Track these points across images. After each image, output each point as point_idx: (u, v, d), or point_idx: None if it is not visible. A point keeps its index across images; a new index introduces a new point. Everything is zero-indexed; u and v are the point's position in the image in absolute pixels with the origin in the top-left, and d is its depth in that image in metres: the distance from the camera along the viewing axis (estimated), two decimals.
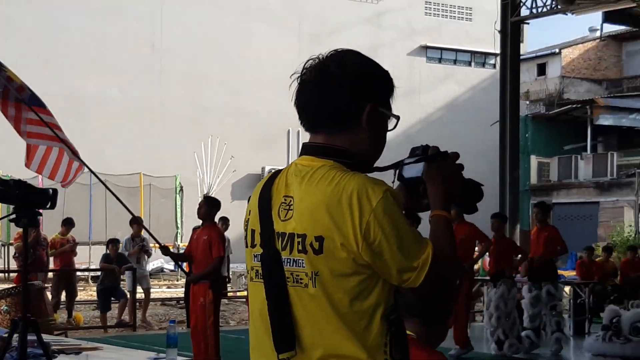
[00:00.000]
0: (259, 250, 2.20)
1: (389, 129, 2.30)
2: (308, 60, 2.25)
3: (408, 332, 3.06)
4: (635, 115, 32.59)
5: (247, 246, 2.29)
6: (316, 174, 2.15)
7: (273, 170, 2.36)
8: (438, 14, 34.84)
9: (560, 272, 19.49)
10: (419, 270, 2.08)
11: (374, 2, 33.16)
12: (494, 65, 32.94)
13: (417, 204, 2.32)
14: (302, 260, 2.12)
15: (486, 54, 34.56)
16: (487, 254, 12.22)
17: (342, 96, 2.18)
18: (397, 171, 2.34)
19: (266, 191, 2.23)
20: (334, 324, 2.09)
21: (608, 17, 17.62)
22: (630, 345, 10.42)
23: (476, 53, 35.21)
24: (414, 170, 2.30)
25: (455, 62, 35.15)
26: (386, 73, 2.29)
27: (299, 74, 2.25)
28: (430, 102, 32.93)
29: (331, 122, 2.21)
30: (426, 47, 34.17)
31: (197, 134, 27.12)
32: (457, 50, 34.98)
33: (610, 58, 39.38)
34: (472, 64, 35.50)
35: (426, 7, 34.69)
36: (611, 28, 33.02)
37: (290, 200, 2.17)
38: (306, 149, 2.24)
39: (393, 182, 2.32)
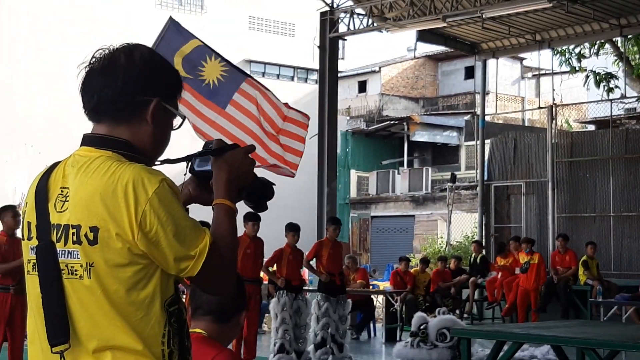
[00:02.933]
0: (35, 242, 2.17)
1: (174, 127, 2.31)
2: (98, 50, 2.23)
3: (199, 330, 3.09)
4: (449, 132, 34.00)
5: (23, 239, 2.25)
6: (92, 164, 2.14)
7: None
8: (262, 29, 35.16)
9: (377, 282, 20.14)
10: (197, 259, 2.09)
11: (197, 13, 33.06)
12: (316, 81, 33.55)
13: (208, 197, 2.34)
14: (77, 251, 2.10)
15: (308, 70, 35.15)
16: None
17: (127, 88, 2.18)
18: (189, 164, 2.35)
19: (43, 183, 2.20)
20: (109, 315, 2.08)
21: (421, 37, 18.33)
22: (437, 351, 10.85)
23: (299, 68, 35.75)
24: (205, 163, 2.32)
25: (278, 76, 35.55)
26: (175, 71, 2.31)
27: (87, 63, 2.23)
28: None
29: (114, 114, 2.19)
30: (250, 62, 34.38)
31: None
32: (280, 65, 35.40)
33: (427, 77, 40.94)
34: (295, 79, 36.02)
35: (250, 21, 34.93)
36: (427, 48, 34.42)
37: (67, 192, 2.14)
38: (86, 140, 2.22)
39: (185, 174, 2.35)
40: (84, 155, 2.19)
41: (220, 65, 6.92)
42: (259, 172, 2.46)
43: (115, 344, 2.08)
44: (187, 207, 2.43)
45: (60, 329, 2.09)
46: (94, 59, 2.23)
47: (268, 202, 2.47)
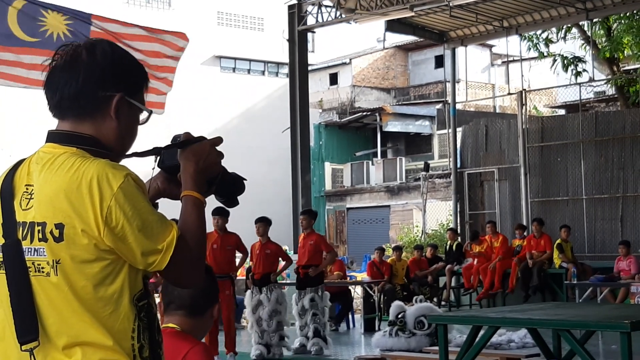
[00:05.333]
0: (2, 240, 2.16)
1: (140, 122, 2.31)
2: (61, 47, 2.24)
3: (172, 324, 3.10)
4: (421, 121, 34.10)
5: None
6: (57, 161, 2.14)
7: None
8: (231, 24, 35.06)
9: (355, 274, 20.19)
10: (164, 253, 2.09)
11: (165, 10, 32.90)
12: (287, 75, 33.54)
13: (177, 191, 2.33)
14: (43, 248, 2.10)
15: (279, 64, 35.11)
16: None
17: (88, 84, 2.18)
18: (158, 159, 2.35)
19: (8, 181, 2.19)
20: (77, 312, 2.09)
21: (390, 27, 18.35)
22: (415, 339, 10.89)
23: (269, 63, 35.71)
24: (173, 157, 2.32)
25: (249, 71, 35.48)
26: (139, 66, 2.31)
27: (51, 60, 2.24)
28: (225, 111, 33.02)
29: (77, 110, 2.20)
30: (220, 57, 34.28)
31: None
32: (250, 60, 35.33)
33: (398, 67, 41.03)
34: (266, 73, 35.97)
35: (218, 17, 34.82)
36: (397, 38, 34.49)
37: (32, 189, 2.14)
38: (50, 137, 2.22)
39: (153, 169, 2.35)
40: (48, 152, 2.18)
41: (63, 18, 6.78)
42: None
43: (84, 340, 2.09)
44: (157, 201, 2.44)
45: (28, 326, 2.10)
46: (57, 56, 2.23)
47: (240, 197, 2.47)
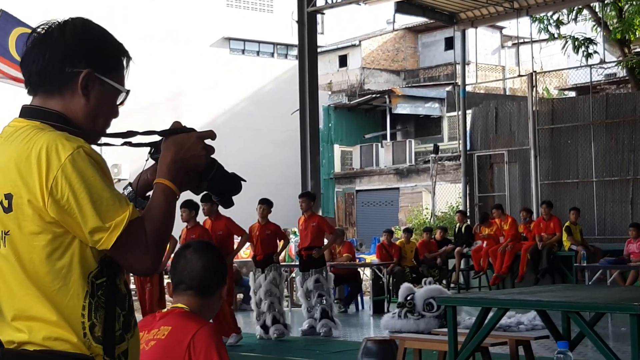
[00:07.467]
0: None
1: (118, 102, 2.26)
2: (40, 25, 2.21)
3: (181, 305, 3.10)
4: (431, 103, 34.02)
5: None
6: (16, 134, 2.11)
7: None
8: (240, 6, 34.96)
9: (364, 256, 20.20)
10: (111, 232, 2.02)
11: None
12: (296, 57, 33.47)
13: None
14: None
15: (288, 46, 35.02)
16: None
17: (53, 60, 2.15)
18: (151, 150, 2.29)
19: None
20: (24, 285, 2.05)
21: (400, 8, 18.28)
22: (424, 321, 10.88)
23: (278, 44, 35.61)
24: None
25: (258, 53, 35.40)
26: (114, 43, 2.25)
27: (28, 36, 2.22)
28: (234, 93, 33.00)
29: (45, 86, 2.17)
30: (229, 39, 34.21)
31: None
32: (259, 42, 35.25)
33: (407, 49, 40.89)
34: (275, 55, 35.88)
35: None
36: (406, 20, 34.35)
37: None
38: (21, 112, 2.20)
39: (147, 160, 2.31)
40: (13, 125, 2.16)
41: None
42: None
43: (31, 314, 2.05)
44: (148, 193, 2.36)
45: None
46: (34, 34, 2.21)
47: (249, 180, 2.41)
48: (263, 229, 11.69)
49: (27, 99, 2.24)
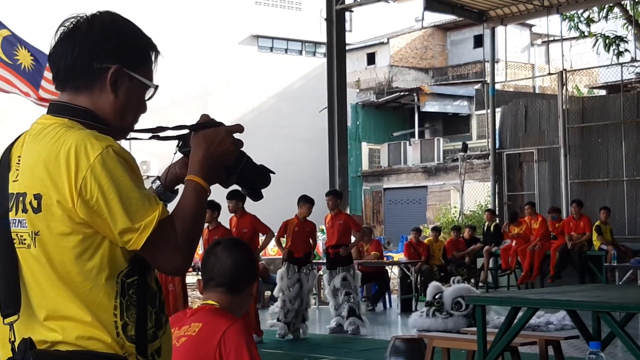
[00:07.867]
0: None
1: (146, 97, 2.23)
2: (68, 19, 2.18)
3: (212, 302, 3.10)
4: (460, 101, 33.87)
5: None
6: (44, 131, 2.09)
7: None
8: (268, 3, 35.01)
9: (392, 254, 20.16)
10: (141, 232, 2.00)
11: None
12: (324, 54, 33.46)
13: None
14: (25, 220, 2.06)
15: (316, 43, 35.01)
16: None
17: (82, 55, 2.13)
18: (179, 143, 2.26)
19: (6, 154, 2.17)
20: (56, 285, 2.04)
21: (428, 6, 18.22)
22: (452, 320, 10.82)
23: (307, 42, 35.62)
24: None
25: (286, 51, 35.43)
26: (143, 37, 2.22)
27: (56, 31, 2.19)
28: (262, 90, 33.06)
29: (74, 82, 2.15)
30: (257, 37, 34.27)
31: None
32: (288, 40, 35.27)
33: (436, 47, 40.72)
34: (304, 52, 35.90)
35: None
36: (435, 18, 34.22)
37: (20, 160, 2.11)
38: (49, 108, 2.18)
39: (175, 153, 2.29)
40: (41, 122, 2.14)
41: (29, 54, 7.64)
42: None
43: (63, 314, 2.04)
44: (176, 188, 2.36)
45: (10, 299, 2.07)
46: (63, 28, 2.18)
47: (277, 177, 2.39)
48: (303, 226, 11.62)
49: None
